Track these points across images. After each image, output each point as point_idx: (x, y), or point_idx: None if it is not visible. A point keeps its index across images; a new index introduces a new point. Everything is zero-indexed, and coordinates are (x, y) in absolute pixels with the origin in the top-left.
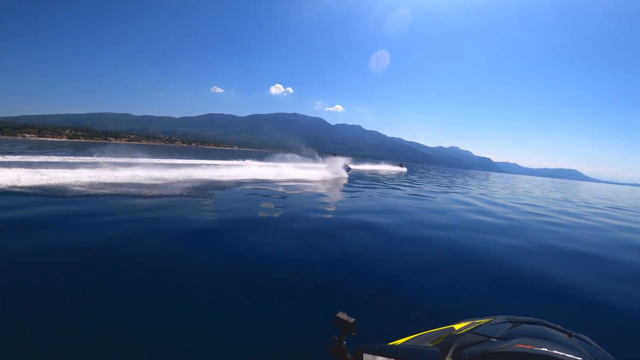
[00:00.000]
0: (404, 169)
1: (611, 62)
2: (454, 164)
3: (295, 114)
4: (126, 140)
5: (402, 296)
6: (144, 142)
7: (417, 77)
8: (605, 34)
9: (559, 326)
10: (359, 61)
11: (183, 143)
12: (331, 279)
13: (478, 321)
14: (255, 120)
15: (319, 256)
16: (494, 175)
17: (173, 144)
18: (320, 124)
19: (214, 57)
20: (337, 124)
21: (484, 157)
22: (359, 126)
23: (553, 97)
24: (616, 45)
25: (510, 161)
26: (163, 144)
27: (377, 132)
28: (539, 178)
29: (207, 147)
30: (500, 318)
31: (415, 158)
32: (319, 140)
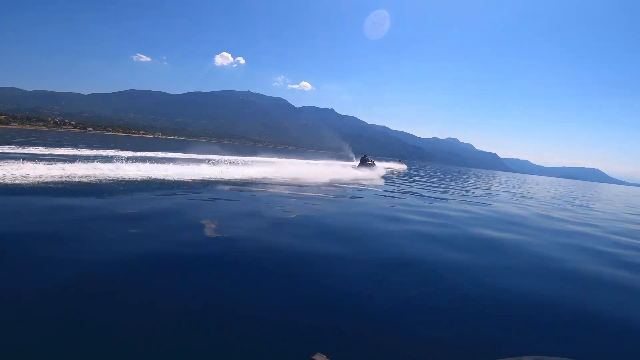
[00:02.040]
0: (404, 166)
1: None
2: (452, 160)
3: (248, 93)
4: None
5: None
6: (14, 126)
7: (408, 49)
8: None
9: None
10: (334, 24)
11: (75, 128)
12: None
13: None
14: (194, 100)
15: None
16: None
17: (59, 129)
18: (281, 106)
19: (136, 13)
20: (304, 107)
21: (489, 152)
22: (332, 110)
23: (572, 78)
24: None
25: (521, 157)
26: (45, 128)
27: (354, 117)
28: (563, 180)
29: (109, 133)
30: (527, 359)
31: (403, 152)
32: (280, 127)
